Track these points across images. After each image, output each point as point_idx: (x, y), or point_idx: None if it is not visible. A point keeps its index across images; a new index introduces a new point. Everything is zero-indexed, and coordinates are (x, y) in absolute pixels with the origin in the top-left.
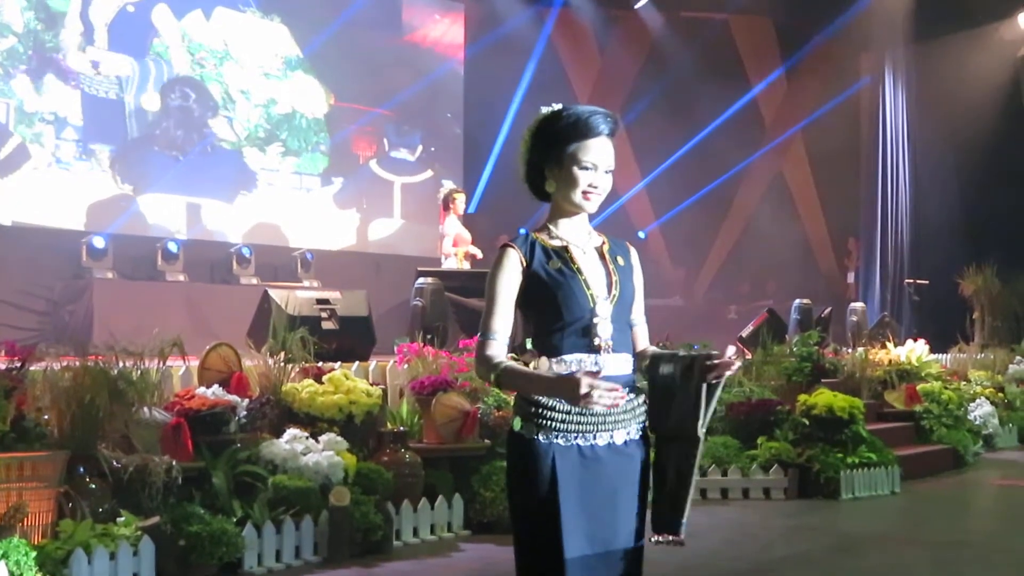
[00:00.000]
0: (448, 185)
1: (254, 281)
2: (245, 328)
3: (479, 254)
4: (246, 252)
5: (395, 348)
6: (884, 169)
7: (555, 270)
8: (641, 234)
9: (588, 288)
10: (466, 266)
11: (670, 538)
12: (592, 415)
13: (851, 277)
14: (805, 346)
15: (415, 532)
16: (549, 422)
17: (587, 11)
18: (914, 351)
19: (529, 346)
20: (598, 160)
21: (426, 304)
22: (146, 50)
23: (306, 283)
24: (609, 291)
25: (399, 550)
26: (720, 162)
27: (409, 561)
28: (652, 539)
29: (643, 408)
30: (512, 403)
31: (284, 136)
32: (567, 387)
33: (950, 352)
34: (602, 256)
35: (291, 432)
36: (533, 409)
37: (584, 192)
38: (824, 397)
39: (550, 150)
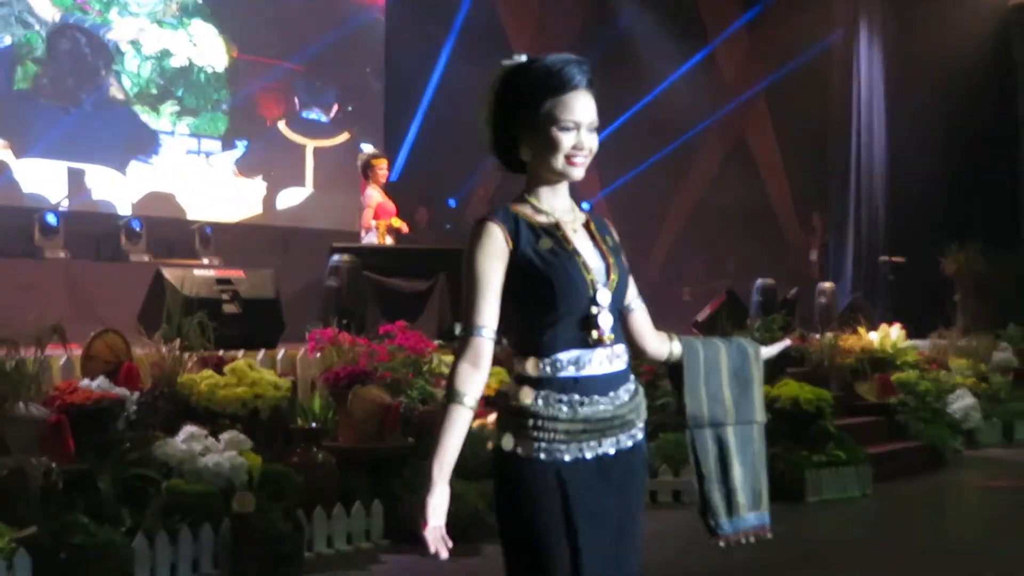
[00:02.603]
0: (368, 150)
1: (145, 259)
2: (135, 312)
3: (404, 228)
4: (136, 226)
5: (306, 335)
6: (858, 134)
7: (547, 251)
8: (585, 205)
9: (588, 272)
10: (389, 242)
11: (763, 534)
12: (599, 419)
13: (814, 255)
14: (768, 332)
15: (329, 542)
16: (551, 435)
17: None
18: (889, 337)
19: (504, 343)
20: (580, 117)
21: (342, 285)
22: None
23: (205, 261)
24: (608, 275)
25: (311, 562)
26: (674, 126)
27: (322, 575)
28: (727, 544)
29: (644, 404)
30: (496, 416)
31: (180, 93)
32: (426, 491)
33: (929, 338)
34: (591, 234)
35: (188, 430)
36: (531, 422)
37: (568, 156)
38: (789, 389)
39: (520, 111)
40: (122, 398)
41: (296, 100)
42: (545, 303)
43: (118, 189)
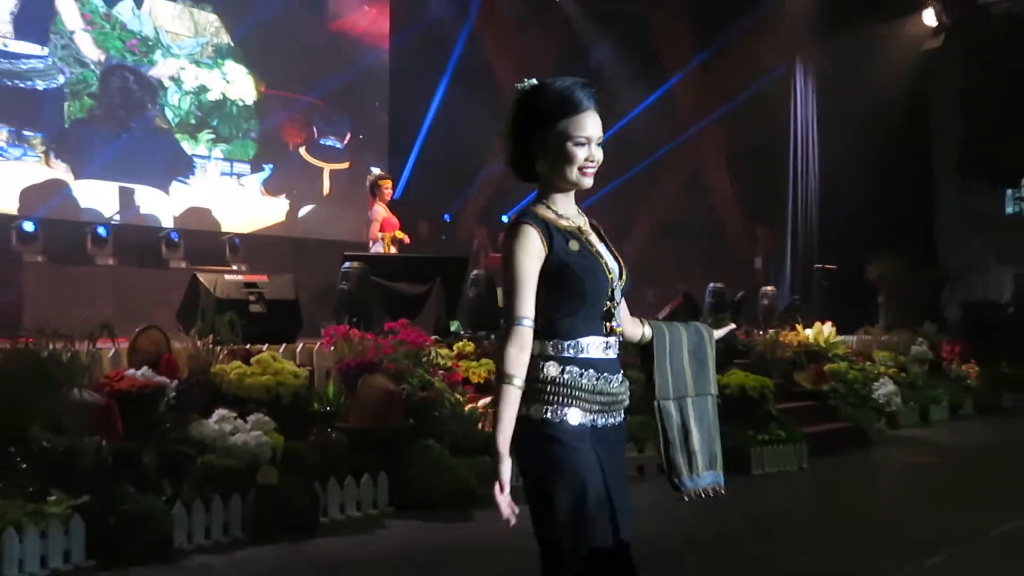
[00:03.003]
0: (375, 172)
1: (183, 265)
2: (174, 311)
3: (406, 239)
4: (175, 237)
5: (322, 331)
6: (795, 158)
7: (576, 253)
8: None
9: (609, 272)
10: (393, 251)
11: (719, 490)
12: (610, 394)
13: (758, 262)
14: (718, 327)
15: (341, 509)
16: (578, 402)
17: (509, 1)
18: (822, 333)
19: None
20: (591, 133)
21: (352, 288)
22: (72, 36)
23: (234, 267)
24: (620, 275)
25: (326, 527)
26: (638, 151)
27: (335, 538)
28: (688, 498)
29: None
30: (544, 392)
31: (215, 123)
32: (497, 464)
33: (856, 334)
34: (601, 236)
35: (219, 413)
36: (562, 390)
37: (581, 168)
38: (736, 377)
39: (538, 129)
40: (163, 385)
41: (315, 129)
42: (575, 297)
43: (162, 205)
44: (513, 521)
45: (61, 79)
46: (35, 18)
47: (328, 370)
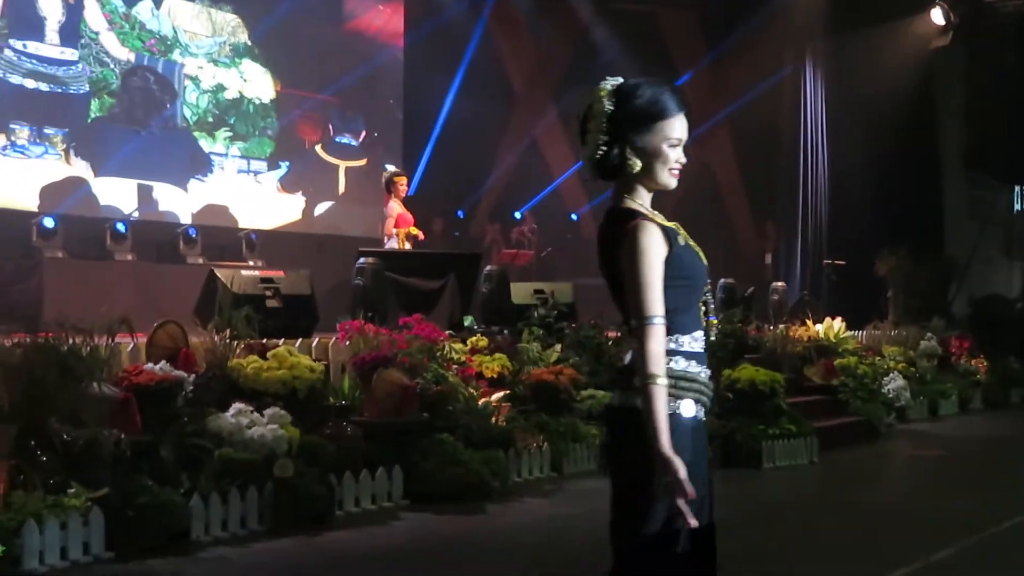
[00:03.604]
0: (390, 169)
1: (200, 261)
2: (192, 306)
3: (420, 235)
4: (192, 233)
5: (337, 325)
6: (804, 155)
7: (685, 248)
8: (573, 216)
9: (707, 266)
10: (407, 247)
11: None
12: (709, 386)
13: (768, 259)
14: (729, 323)
15: (356, 502)
16: (701, 396)
17: (522, 1)
18: (832, 328)
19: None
20: (682, 135)
21: (367, 283)
22: (97, 37)
23: (251, 263)
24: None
25: (341, 519)
26: None
27: (351, 530)
28: None
29: None
30: (649, 380)
31: (232, 121)
32: (672, 467)
33: (866, 329)
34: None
35: (237, 406)
36: (689, 385)
37: (671, 169)
38: (747, 372)
39: (635, 129)
40: (181, 379)
41: (331, 127)
42: (689, 292)
43: (180, 202)
44: (695, 523)
45: (87, 83)
46: (67, 23)
47: (343, 364)
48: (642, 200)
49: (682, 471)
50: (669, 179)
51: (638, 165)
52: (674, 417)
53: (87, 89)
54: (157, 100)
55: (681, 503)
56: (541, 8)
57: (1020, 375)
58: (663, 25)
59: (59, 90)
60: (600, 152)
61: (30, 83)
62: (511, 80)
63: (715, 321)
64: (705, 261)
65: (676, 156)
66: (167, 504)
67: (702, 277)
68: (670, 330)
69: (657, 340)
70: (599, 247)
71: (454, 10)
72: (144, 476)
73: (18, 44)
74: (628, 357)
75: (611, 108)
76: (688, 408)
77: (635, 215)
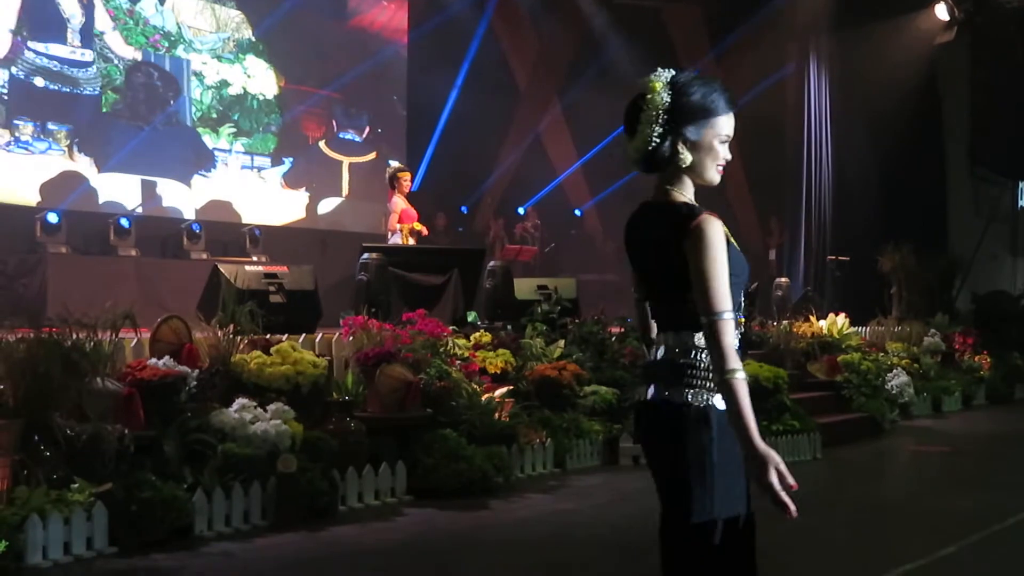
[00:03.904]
0: (394, 164)
1: (204, 256)
2: (195, 302)
3: (424, 230)
4: (196, 228)
5: (341, 321)
6: (808, 152)
7: (733, 246)
8: (577, 212)
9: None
10: (411, 242)
11: None
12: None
13: (772, 254)
14: None
15: (360, 497)
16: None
17: None
18: (835, 324)
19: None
20: (731, 133)
21: (371, 279)
22: (103, 32)
23: (255, 258)
24: None
25: (344, 514)
26: None
27: (354, 525)
28: None
29: None
30: (709, 380)
31: (236, 117)
32: (773, 459)
33: (869, 325)
34: None
35: (240, 402)
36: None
37: (718, 165)
38: (750, 368)
39: (689, 122)
40: (184, 374)
41: (334, 123)
42: (736, 290)
43: (183, 199)
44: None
45: (100, 83)
46: (86, 25)
47: (347, 360)
48: (689, 194)
49: (782, 463)
50: (715, 175)
51: (689, 159)
52: (714, 410)
53: (99, 91)
54: (161, 96)
55: (785, 497)
56: (544, 4)
57: None
58: (667, 21)
59: (76, 91)
60: (653, 144)
61: (41, 81)
62: (514, 76)
63: (743, 319)
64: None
65: (724, 152)
66: (170, 499)
67: (747, 275)
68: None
69: (730, 334)
70: (636, 239)
71: (458, 6)
72: (147, 471)
73: (40, 46)
74: (660, 352)
75: (667, 100)
76: (721, 403)
77: (697, 209)
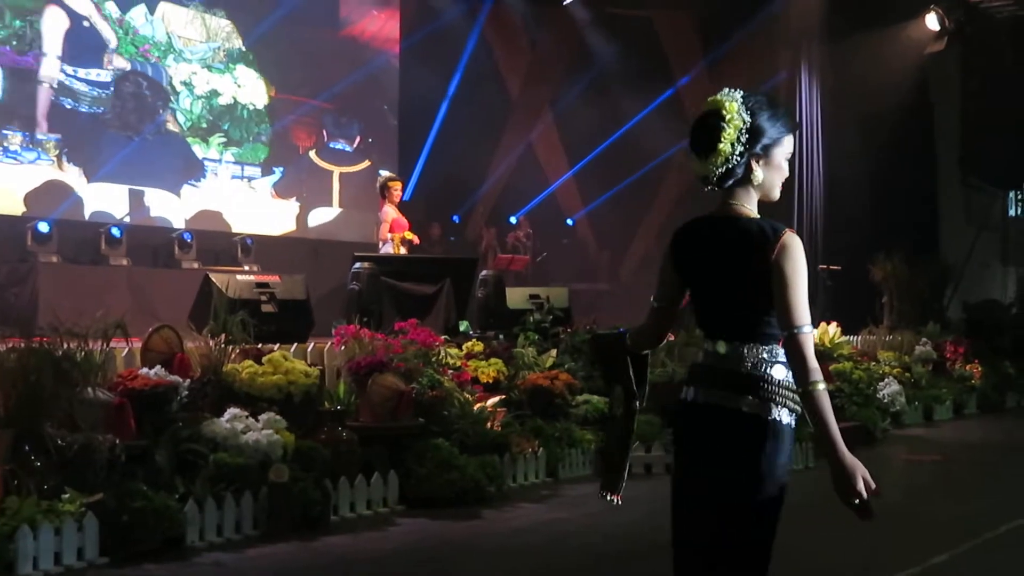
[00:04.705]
0: (385, 174)
1: (195, 266)
2: (187, 311)
3: (415, 240)
4: (187, 238)
5: (332, 330)
6: (799, 161)
7: None
8: (569, 221)
9: None
10: (403, 252)
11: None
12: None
13: None
14: None
15: (352, 507)
16: (796, 407)
17: (518, 6)
18: (827, 333)
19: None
20: (792, 152)
21: (363, 288)
22: (92, 43)
23: (246, 268)
24: None
25: (337, 524)
26: (645, 153)
27: (346, 535)
28: (601, 494)
29: None
30: (776, 394)
31: (226, 127)
32: (847, 469)
33: (861, 334)
34: None
35: (232, 411)
36: (791, 395)
37: (780, 184)
38: None
39: (769, 140)
40: (176, 384)
41: (325, 133)
42: None
43: (173, 207)
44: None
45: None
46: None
47: (339, 369)
48: (755, 209)
49: (867, 472)
50: (778, 191)
51: (761, 176)
52: (783, 424)
53: (104, 108)
54: (150, 106)
55: (868, 499)
56: (537, 13)
57: (1015, 380)
58: (659, 30)
59: (96, 111)
60: (734, 161)
61: (70, 103)
62: (507, 85)
63: None
64: None
65: (786, 170)
66: (162, 509)
67: None
68: (772, 339)
69: (811, 346)
70: (700, 251)
71: (450, 15)
72: (139, 481)
73: (77, 70)
74: (714, 359)
75: (749, 120)
76: (785, 415)
77: (781, 226)
